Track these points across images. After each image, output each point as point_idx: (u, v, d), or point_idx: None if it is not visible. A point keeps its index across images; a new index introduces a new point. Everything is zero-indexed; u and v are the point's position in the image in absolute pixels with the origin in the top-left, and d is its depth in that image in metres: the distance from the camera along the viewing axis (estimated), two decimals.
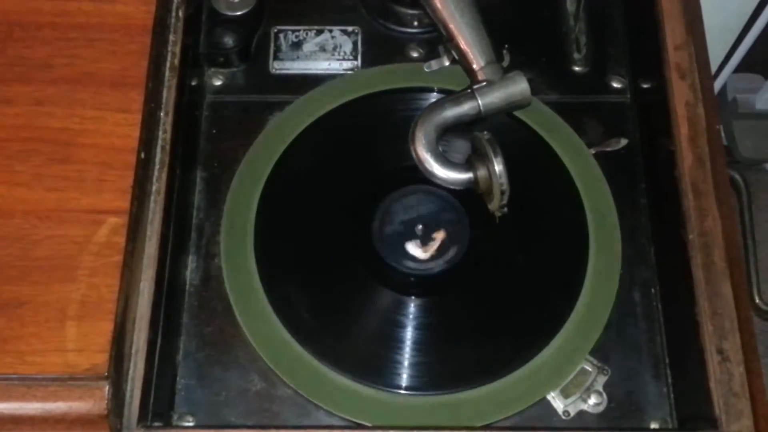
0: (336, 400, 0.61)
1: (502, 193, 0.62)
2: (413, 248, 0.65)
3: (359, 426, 0.60)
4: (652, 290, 0.65)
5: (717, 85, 1.30)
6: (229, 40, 0.72)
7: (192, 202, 0.68)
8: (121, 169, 0.58)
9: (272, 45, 0.75)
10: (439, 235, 0.66)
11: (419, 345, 0.64)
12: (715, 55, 1.20)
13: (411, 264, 0.65)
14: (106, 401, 0.53)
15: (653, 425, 0.61)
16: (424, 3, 0.69)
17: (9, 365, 0.53)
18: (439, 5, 0.68)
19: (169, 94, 0.64)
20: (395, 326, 0.64)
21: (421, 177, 0.66)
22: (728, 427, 0.54)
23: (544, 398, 0.61)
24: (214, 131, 0.71)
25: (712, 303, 0.58)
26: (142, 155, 0.60)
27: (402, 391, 0.62)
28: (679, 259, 0.61)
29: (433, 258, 0.65)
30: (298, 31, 0.75)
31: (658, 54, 0.66)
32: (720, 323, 0.57)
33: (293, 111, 0.71)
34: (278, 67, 0.74)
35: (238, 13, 0.73)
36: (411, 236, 0.66)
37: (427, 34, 0.75)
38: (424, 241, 0.66)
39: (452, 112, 0.65)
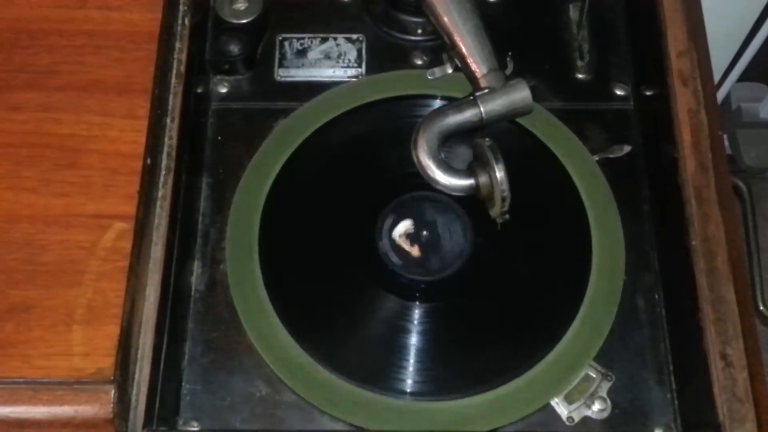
0: (340, 405, 0.61)
1: (503, 199, 0.62)
2: (401, 228, 0.66)
3: (363, 431, 0.60)
4: (656, 296, 0.65)
5: (721, 94, 1.30)
6: (234, 48, 0.73)
7: (198, 207, 0.68)
8: (127, 174, 0.59)
9: (277, 52, 0.75)
10: (414, 250, 0.66)
11: (423, 351, 0.64)
12: (719, 63, 1.20)
13: (416, 270, 0.66)
14: (111, 405, 0.53)
15: (657, 431, 0.61)
16: (427, 11, 0.70)
17: (16, 369, 0.53)
18: (441, 13, 0.68)
19: (175, 101, 0.65)
20: (399, 332, 0.64)
21: (423, 183, 0.66)
22: None
23: (548, 404, 0.61)
24: (220, 138, 0.72)
25: (715, 309, 0.58)
26: (149, 161, 0.60)
27: (406, 397, 0.62)
28: (682, 265, 0.61)
29: (399, 251, 0.66)
30: (303, 38, 0.76)
31: (661, 61, 0.67)
32: (723, 329, 0.57)
33: (298, 118, 0.72)
34: (283, 74, 0.74)
35: (244, 21, 0.74)
36: (419, 242, 0.66)
37: (431, 41, 0.75)
38: (413, 240, 0.66)
39: (454, 119, 0.66)
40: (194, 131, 0.69)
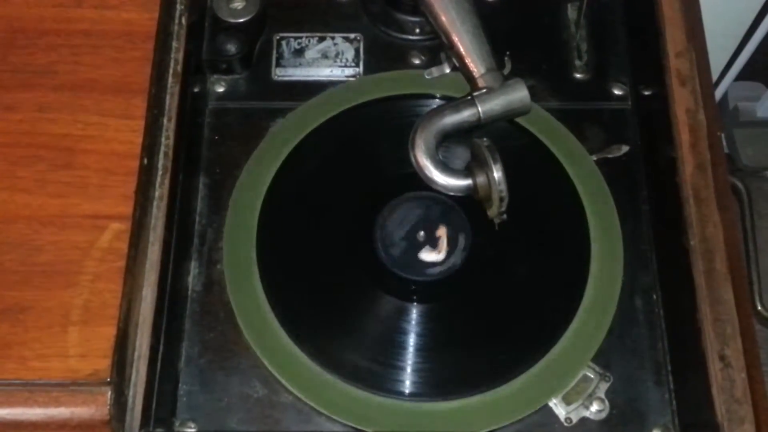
0: (338, 406, 0.61)
1: (501, 200, 0.62)
2: (427, 255, 0.65)
3: None
4: (654, 296, 0.65)
5: (718, 93, 1.31)
6: (231, 47, 0.72)
7: (194, 208, 0.68)
8: (123, 175, 0.59)
9: (275, 52, 0.75)
10: (441, 231, 0.66)
11: (421, 351, 0.64)
12: (717, 62, 1.20)
13: (414, 271, 0.65)
14: (108, 407, 0.53)
15: None
16: (425, 10, 0.69)
17: (11, 370, 0.53)
18: (439, 13, 0.68)
19: (171, 101, 0.64)
20: (397, 333, 0.64)
21: (421, 184, 0.66)
22: None
23: (546, 405, 0.61)
24: (217, 138, 0.71)
25: (713, 309, 0.58)
26: (145, 161, 0.60)
27: (404, 398, 0.62)
28: (680, 266, 0.61)
29: (449, 254, 0.65)
30: (301, 38, 0.75)
31: (659, 61, 0.67)
32: (722, 329, 0.57)
33: (295, 118, 0.72)
34: (280, 73, 0.74)
35: (241, 20, 0.73)
36: (417, 244, 0.66)
37: (429, 41, 0.75)
38: (432, 243, 0.66)
39: (452, 119, 0.65)
40: (191, 131, 0.68)
